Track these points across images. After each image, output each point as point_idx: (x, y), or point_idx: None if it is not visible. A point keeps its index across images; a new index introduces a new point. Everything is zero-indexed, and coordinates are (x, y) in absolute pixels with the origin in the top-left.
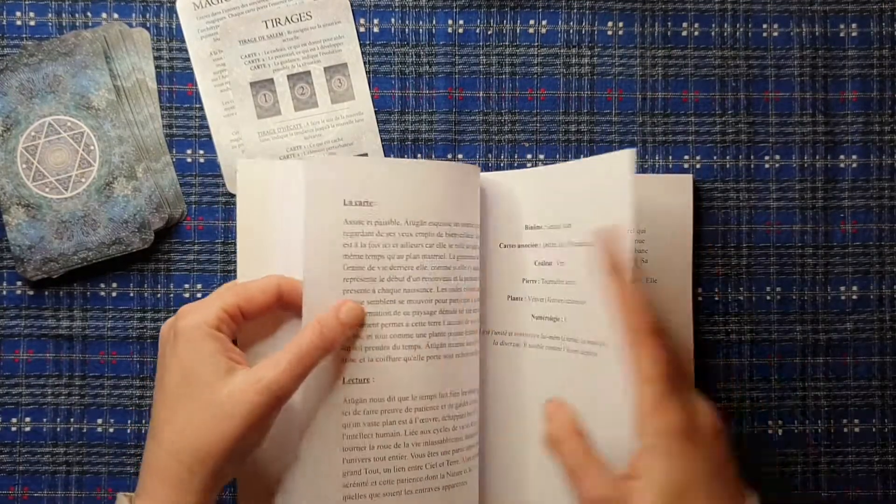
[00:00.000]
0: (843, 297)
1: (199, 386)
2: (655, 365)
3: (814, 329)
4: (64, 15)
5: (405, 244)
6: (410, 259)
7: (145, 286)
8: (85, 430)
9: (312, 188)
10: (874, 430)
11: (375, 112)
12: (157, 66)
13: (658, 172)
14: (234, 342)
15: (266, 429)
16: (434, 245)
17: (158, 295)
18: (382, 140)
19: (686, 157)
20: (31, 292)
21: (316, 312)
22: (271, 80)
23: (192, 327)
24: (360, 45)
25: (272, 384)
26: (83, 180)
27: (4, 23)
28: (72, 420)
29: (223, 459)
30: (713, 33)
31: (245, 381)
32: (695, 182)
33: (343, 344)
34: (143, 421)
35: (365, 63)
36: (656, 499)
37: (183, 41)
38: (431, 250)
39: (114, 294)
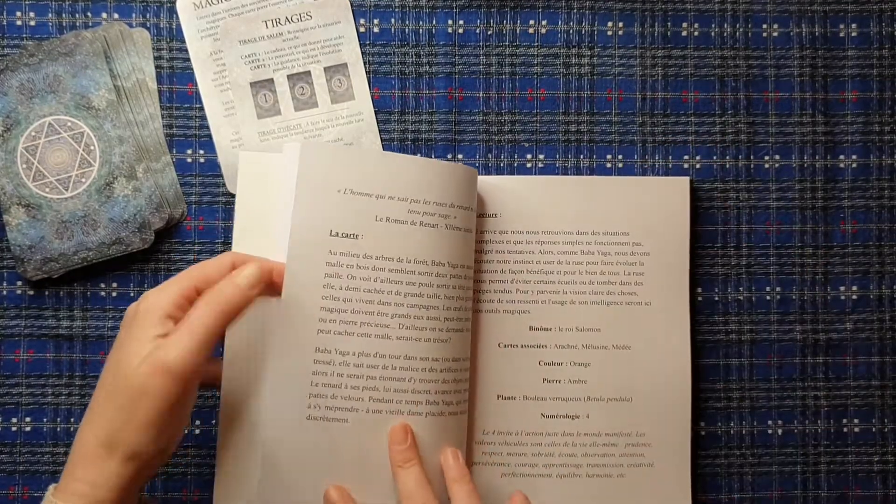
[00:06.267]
0: (843, 297)
1: (123, 373)
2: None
3: (814, 329)
4: (64, 15)
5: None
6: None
7: (145, 286)
8: None
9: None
10: (874, 430)
11: (375, 112)
12: (157, 66)
13: (658, 172)
14: None
15: (183, 411)
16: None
17: None
18: (382, 140)
19: (686, 157)
20: (31, 292)
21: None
22: (271, 80)
23: (144, 312)
24: (360, 45)
25: (174, 366)
26: (83, 180)
27: (4, 23)
28: (72, 420)
29: (136, 443)
30: (713, 33)
31: (151, 365)
32: (694, 183)
33: (247, 305)
34: None
35: (365, 63)
36: None
37: (183, 41)
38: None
39: (114, 294)
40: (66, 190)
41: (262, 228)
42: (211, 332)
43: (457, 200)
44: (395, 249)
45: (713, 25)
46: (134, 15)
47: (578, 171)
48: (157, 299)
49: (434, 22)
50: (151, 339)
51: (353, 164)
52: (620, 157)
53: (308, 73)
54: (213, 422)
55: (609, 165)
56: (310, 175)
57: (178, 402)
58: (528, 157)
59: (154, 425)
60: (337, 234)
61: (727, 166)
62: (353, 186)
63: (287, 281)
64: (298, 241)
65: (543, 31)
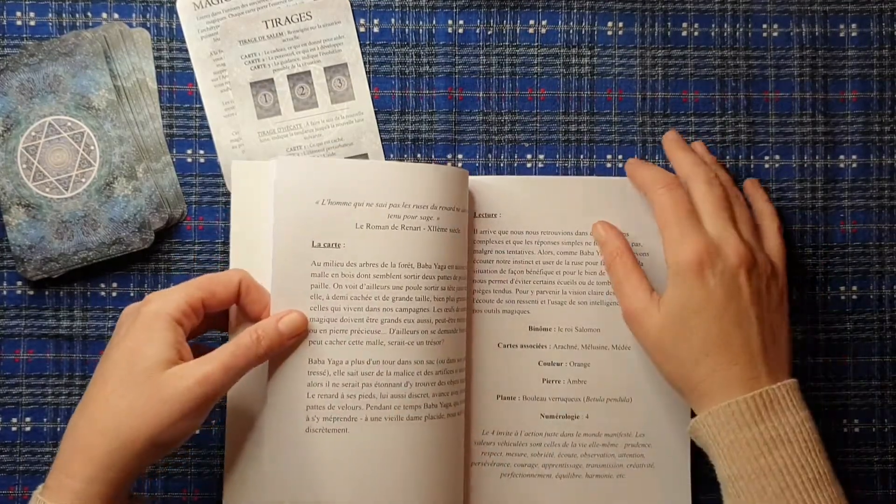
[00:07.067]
0: (843, 297)
1: (140, 369)
2: (676, 206)
3: (814, 329)
4: (64, 15)
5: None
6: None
7: (145, 286)
8: None
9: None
10: (874, 430)
11: (375, 112)
12: (157, 66)
13: None
14: (196, 333)
15: (196, 422)
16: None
17: None
18: (382, 140)
19: None
20: (31, 292)
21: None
22: (271, 80)
23: (153, 314)
24: (360, 45)
25: (206, 378)
26: (83, 180)
27: (4, 23)
28: None
29: (149, 443)
30: (713, 33)
31: (182, 372)
32: None
33: (280, 353)
34: None
35: (365, 63)
36: (661, 316)
37: (183, 41)
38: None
39: (114, 294)
40: (66, 190)
41: (257, 237)
42: (248, 364)
43: (440, 202)
44: (379, 255)
45: (713, 25)
46: (134, 15)
47: (578, 171)
48: (166, 304)
49: (434, 22)
50: (170, 345)
51: (329, 174)
52: (620, 157)
53: (308, 73)
54: (214, 422)
55: (609, 165)
56: (287, 189)
57: (203, 412)
58: (528, 157)
59: (173, 425)
60: (319, 244)
61: (727, 166)
62: (330, 196)
63: (274, 294)
64: (282, 254)
65: (543, 31)
